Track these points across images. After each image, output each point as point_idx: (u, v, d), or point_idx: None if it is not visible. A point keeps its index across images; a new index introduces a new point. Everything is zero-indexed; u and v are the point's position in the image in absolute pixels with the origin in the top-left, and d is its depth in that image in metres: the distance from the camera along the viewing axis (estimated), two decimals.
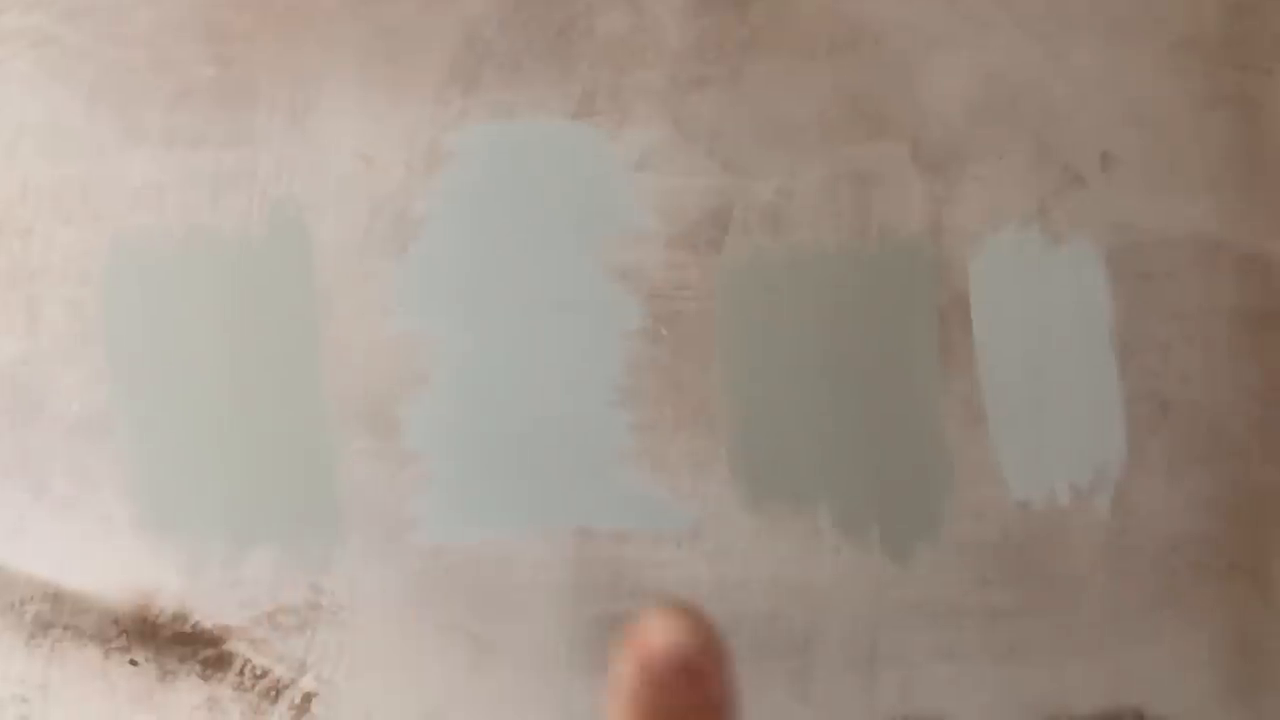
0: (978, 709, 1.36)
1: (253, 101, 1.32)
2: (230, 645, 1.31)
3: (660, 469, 1.33)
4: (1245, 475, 1.37)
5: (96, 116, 1.31)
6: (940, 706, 1.36)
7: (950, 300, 1.36)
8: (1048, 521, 1.36)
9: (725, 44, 1.35)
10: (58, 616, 1.31)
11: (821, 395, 1.35)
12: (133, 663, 1.31)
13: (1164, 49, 1.37)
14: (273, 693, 1.32)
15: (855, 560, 1.35)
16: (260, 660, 1.32)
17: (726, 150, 1.35)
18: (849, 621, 1.35)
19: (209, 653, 1.31)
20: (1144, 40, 1.37)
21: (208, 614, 1.31)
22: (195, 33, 1.32)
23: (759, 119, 1.35)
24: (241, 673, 1.32)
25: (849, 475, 1.35)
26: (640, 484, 1.33)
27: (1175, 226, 1.36)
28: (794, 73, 1.35)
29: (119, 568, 1.31)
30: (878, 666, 1.35)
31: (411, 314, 1.33)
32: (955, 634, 1.36)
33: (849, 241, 1.35)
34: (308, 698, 1.32)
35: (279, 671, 1.32)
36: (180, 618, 1.31)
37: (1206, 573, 1.37)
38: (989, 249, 1.36)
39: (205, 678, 1.31)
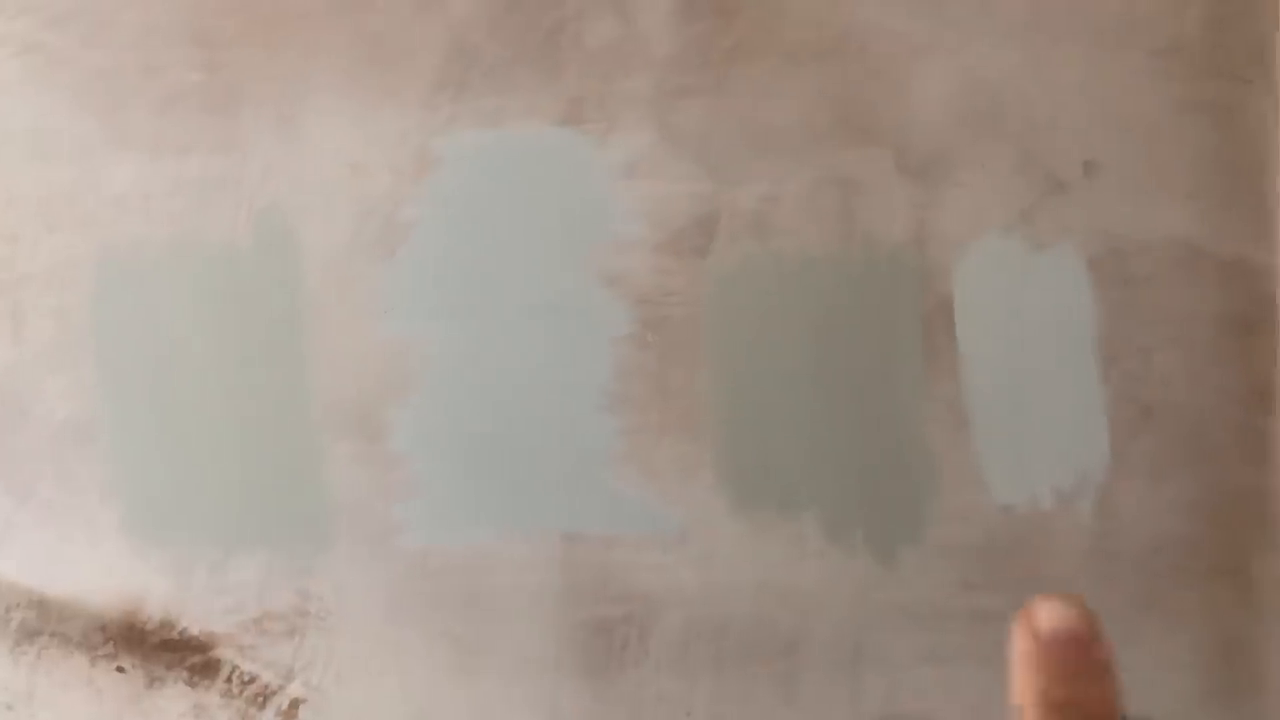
0: (963, 712, 1.37)
1: (240, 107, 1.32)
2: (218, 652, 1.31)
3: (648, 474, 1.34)
4: (1226, 479, 1.39)
5: (82, 122, 1.31)
6: (925, 709, 1.37)
7: (934, 306, 1.37)
8: (1031, 525, 1.38)
9: (711, 52, 1.36)
10: (44, 624, 1.31)
11: (807, 400, 1.36)
12: (120, 670, 1.31)
13: (1145, 57, 1.38)
14: (260, 699, 1.32)
15: (840, 564, 1.36)
16: (248, 666, 1.32)
17: (713, 157, 1.36)
18: (834, 625, 1.36)
19: (196, 659, 1.31)
20: (1125, 48, 1.38)
21: (195, 620, 1.31)
22: (182, 38, 1.32)
23: (745, 126, 1.36)
24: (229, 679, 1.32)
25: (834, 480, 1.36)
26: (628, 489, 1.34)
27: (1157, 233, 1.38)
28: (780, 80, 1.36)
29: (106, 574, 1.31)
30: (863, 669, 1.36)
31: (399, 319, 1.33)
32: (940, 637, 1.37)
33: (834, 248, 1.36)
34: (295, 704, 1.32)
35: (266, 678, 1.32)
36: (167, 624, 1.31)
37: (1188, 576, 1.39)
38: (972, 255, 1.37)
39: (192, 684, 1.31)
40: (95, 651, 1.31)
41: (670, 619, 1.34)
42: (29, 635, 1.30)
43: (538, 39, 1.34)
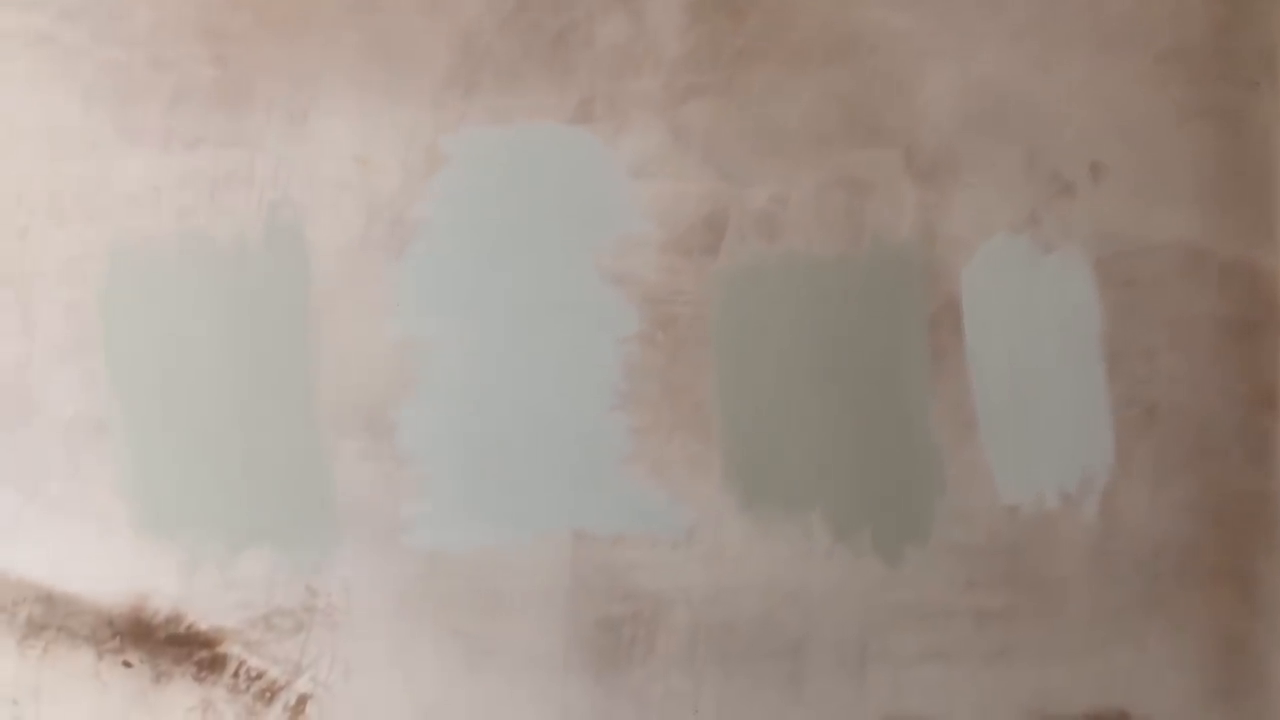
0: (967, 710, 1.38)
1: (250, 103, 1.32)
2: (225, 647, 1.31)
3: (656, 473, 1.34)
4: (1229, 480, 1.40)
5: (92, 117, 1.31)
6: (930, 707, 1.37)
7: (941, 307, 1.38)
8: (1036, 525, 1.38)
9: (721, 52, 1.36)
10: (51, 618, 1.30)
11: (815, 400, 1.36)
12: (127, 665, 1.31)
13: (1151, 61, 1.39)
14: (268, 695, 1.32)
15: (847, 563, 1.36)
16: (255, 662, 1.32)
17: (722, 157, 1.36)
18: (841, 624, 1.36)
19: (204, 654, 1.31)
20: (1131, 52, 1.39)
21: (203, 616, 1.31)
22: (193, 33, 1.31)
23: (754, 126, 1.36)
24: (236, 675, 1.31)
25: (842, 479, 1.36)
26: (636, 488, 1.34)
27: (1162, 235, 1.39)
28: (789, 81, 1.37)
29: (114, 570, 1.30)
30: (869, 668, 1.37)
31: (408, 317, 1.33)
32: (944, 636, 1.37)
33: (842, 248, 1.37)
34: (303, 700, 1.32)
35: (274, 673, 1.32)
36: (175, 619, 1.31)
37: (1191, 576, 1.39)
38: (980, 256, 1.38)
39: (200, 680, 1.31)
40: (102, 646, 1.30)
41: (678, 617, 1.35)
42: (36, 630, 1.30)
43: (548, 38, 1.35)
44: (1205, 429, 1.39)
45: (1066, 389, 1.38)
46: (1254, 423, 1.40)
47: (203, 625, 1.31)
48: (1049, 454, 1.38)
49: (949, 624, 1.37)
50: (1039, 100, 1.38)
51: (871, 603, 1.36)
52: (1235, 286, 1.40)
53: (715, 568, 1.35)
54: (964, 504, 1.37)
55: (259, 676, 1.32)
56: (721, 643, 1.35)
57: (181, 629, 1.31)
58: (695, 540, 1.35)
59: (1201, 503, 1.39)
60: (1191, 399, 1.39)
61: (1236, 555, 1.40)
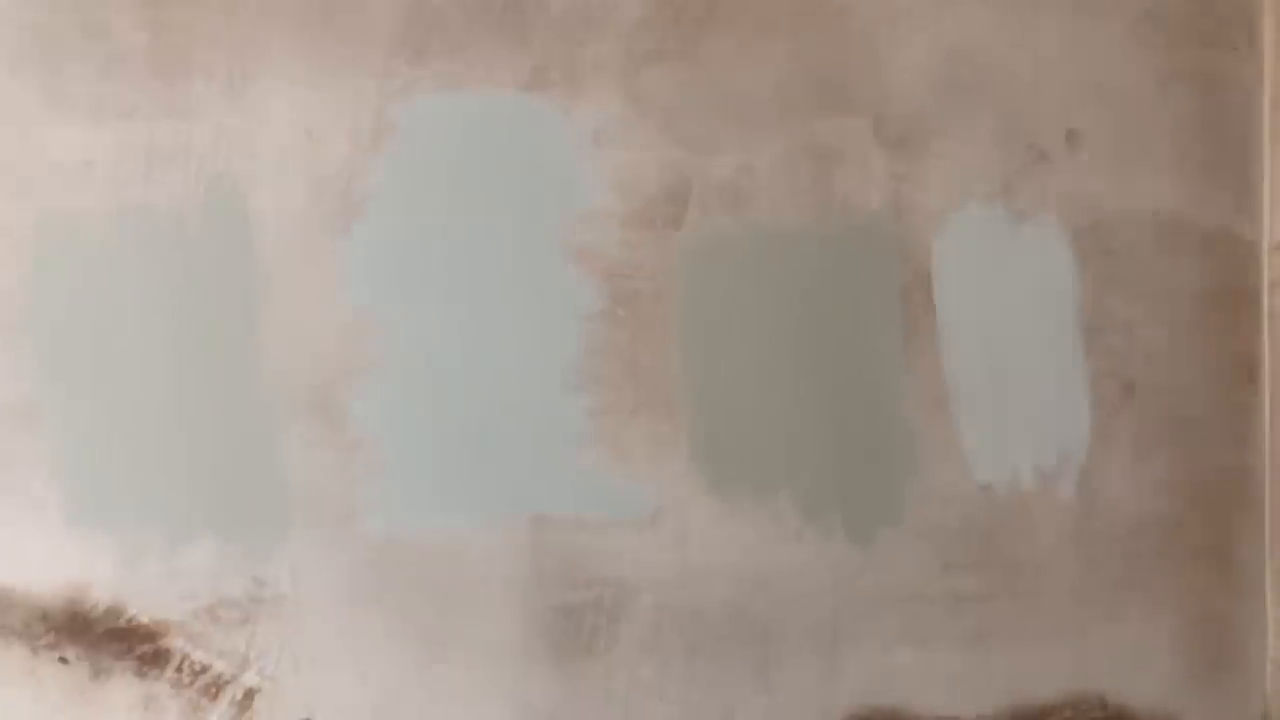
0: (941, 695, 1.35)
1: (188, 70, 1.26)
2: (168, 640, 1.26)
3: (619, 454, 1.30)
4: (1209, 457, 1.37)
5: (17, 85, 1.25)
6: (903, 693, 1.34)
7: (913, 280, 1.34)
8: (1011, 505, 1.35)
9: (683, 16, 1.31)
10: None
11: (783, 377, 1.32)
12: (63, 660, 1.26)
13: (1128, 24, 1.36)
14: (213, 689, 1.27)
15: (817, 545, 1.33)
16: (200, 656, 1.27)
17: (684, 125, 1.31)
18: (811, 608, 1.33)
19: (145, 648, 1.26)
20: (1108, 15, 1.35)
21: (144, 608, 1.26)
22: None
23: (717, 93, 1.31)
24: (180, 669, 1.27)
25: (811, 459, 1.33)
26: (598, 469, 1.30)
27: (1140, 204, 1.36)
28: (754, 46, 1.32)
29: (48, 560, 1.25)
30: (840, 653, 1.33)
31: (357, 294, 1.28)
32: (918, 619, 1.34)
33: (810, 220, 1.33)
34: (250, 694, 1.27)
35: (219, 667, 1.27)
36: (114, 612, 1.26)
37: (1170, 555, 1.37)
38: (952, 227, 1.34)
39: (142, 675, 1.26)
40: (37, 642, 1.25)
41: (642, 603, 1.31)
42: None
43: (500, 2, 1.30)
44: (1184, 404, 1.36)
45: (1042, 363, 1.35)
46: (1234, 397, 1.37)
47: (144, 618, 1.26)
48: (1024, 431, 1.35)
49: (923, 608, 1.34)
50: (1012, 65, 1.35)
51: (843, 586, 1.33)
52: (1215, 256, 1.37)
53: (681, 552, 1.31)
54: (937, 484, 1.34)
55: (204, 670, 1.27)
56: (688, 629, 1.31)
57: (121, 622, 1.26)
58: (660, 523, 1.30)
59: (1181, 480, 1.37)
60: (1170, 373, 1.36)
61: (1216, 533, 1.37)
